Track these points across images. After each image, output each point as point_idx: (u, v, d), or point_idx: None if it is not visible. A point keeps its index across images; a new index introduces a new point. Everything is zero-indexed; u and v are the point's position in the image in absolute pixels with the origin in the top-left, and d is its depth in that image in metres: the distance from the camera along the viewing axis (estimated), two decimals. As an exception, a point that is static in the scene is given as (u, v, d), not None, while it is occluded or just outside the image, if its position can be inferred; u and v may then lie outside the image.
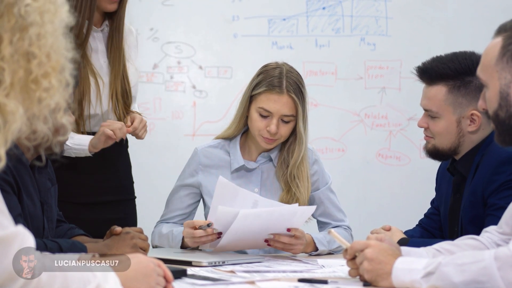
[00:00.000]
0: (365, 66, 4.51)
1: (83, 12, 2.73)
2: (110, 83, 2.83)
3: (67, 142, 2.64)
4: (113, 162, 2.92)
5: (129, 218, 2.95)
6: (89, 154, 2.72)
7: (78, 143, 2.69)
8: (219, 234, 2.37)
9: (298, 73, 2.67)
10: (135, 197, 3.04)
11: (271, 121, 2.58)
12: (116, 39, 2.86)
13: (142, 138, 2.86)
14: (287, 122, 2.61)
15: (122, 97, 2.85)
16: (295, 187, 2.64)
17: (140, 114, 2.88)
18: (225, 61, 4.41)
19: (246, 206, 2.36)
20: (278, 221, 2.39)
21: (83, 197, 2.84)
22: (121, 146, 2.94)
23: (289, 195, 2.64)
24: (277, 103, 2.58)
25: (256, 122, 2.61)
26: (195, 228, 2.39)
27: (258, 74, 2.66)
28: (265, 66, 2.70)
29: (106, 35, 2.87)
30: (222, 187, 2.38)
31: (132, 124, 2.78)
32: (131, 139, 3.09)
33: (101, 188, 2.89)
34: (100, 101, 2.80)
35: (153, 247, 2.68)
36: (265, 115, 2.59)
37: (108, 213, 2.87)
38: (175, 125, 4.37)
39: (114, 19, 2.86)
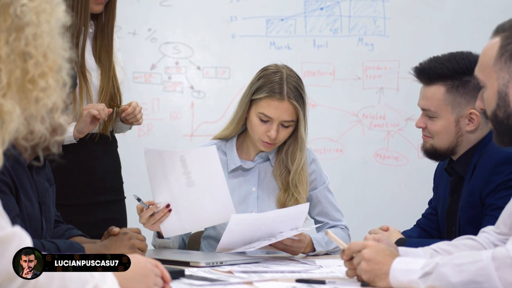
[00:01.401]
0: (363, 67, 4.51)
1: (80, 14, 2.76)
2: (100, 81, 2.85)
3: None
4: (102, 162, 2.92)
5: (120, 218, 2.95)
6: (74, 141, 2.74)
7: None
8: (168, 207, 2.41)
9: (297, 76, 2.66)
10: (124, 198, 3.04)
11: (271, 126, 2.59)
12: (105, 40, 2.89)
13: (140, 123, 2.89)
14: (286, 127, 2.61)
15: (110, 95, 2.87)
16: (296, 191, 2.65)
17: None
18: (223, 61, 4.41)
19: (175, 167, 2.39)
20: (278, 223, 2.40)
21: (73, 198, 2.84)
22: (110, 147, 2.94)
23: (287, 194, 2.65)
24: (278, 109, 2.58)
25: (256, 127, 2.62)
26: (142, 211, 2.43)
27: (258, 78, 2.65)
28: (265, 69, 2.68)
29: (92, 36, 2.90)
30: (150, 158, 2.43)
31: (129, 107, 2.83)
32: (122, 140, 3.09)
33: (90, 189, 2.89)
34: (88, 96, 2.82)
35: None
36: (266, 120, 2.59)
37: (98, 215, 2.88)
38: (173, 126, 4.36)
39: (100, 20, 2.88)
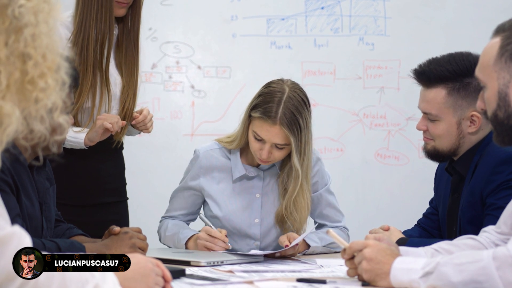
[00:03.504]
0: (364, 66, 4.51)
1: (104, 19, 2.75)
2: (123, 87, 2.86)
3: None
4: (108, 164, 2.92)
5: (122, 219, 2.95)
6: (84, 147, 2.75)
7: (74, 136, 2.73)
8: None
9: (300, 99, 2.53)
10: (127, 199, 3.05)
11: (264, 146, 2.53)
12: (131, 45, 2.88)
13: (149, 131, 2.88)
14: (281, 148, 2.54)
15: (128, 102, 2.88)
16: (290, 217, 2.60)
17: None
18: (224, 61, 4.40)
19: None
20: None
21: (77, 199, 2.84)
22: (117, 149, 2.94)
23: (287, 211, 2.62)
24: (269, 132, 2.50)
25: (251, 142, 2.57)
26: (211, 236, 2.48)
27: (259, 95, 2.56)
28: (269, 85, 2.58)
29: (115, 39, 2.89)
30: None
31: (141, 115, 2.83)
32: (127, 140, 3.09)
33: (95, 191, 2.89)
34: (109, 102, 2.82)
35: (161, 242, 2.73)
36: (259, 139, 2.53)
37: (102, 215, 2.88)
38: (173, 125, 4.36)
39: (125, 24, 2.87)
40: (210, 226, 2.56)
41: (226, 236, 2.49)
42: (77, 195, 2.84)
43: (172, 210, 2.76)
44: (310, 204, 2.64)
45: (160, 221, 2.78)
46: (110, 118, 2.67)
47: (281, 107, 2.49)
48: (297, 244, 2.45)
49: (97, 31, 2.77)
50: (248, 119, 2.58)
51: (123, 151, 3.06)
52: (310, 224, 2.77)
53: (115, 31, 2.87)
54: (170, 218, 2.75)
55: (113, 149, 2.91)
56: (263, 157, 2.54)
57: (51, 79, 1.34)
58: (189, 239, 2.58)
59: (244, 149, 2.70)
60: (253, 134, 2.55)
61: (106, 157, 2.91)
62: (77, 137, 2.72)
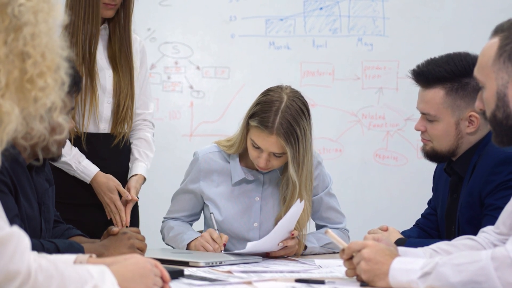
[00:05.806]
0: (363, 67, 4.51)
1: (90, 19, 2.76)
2: (122, 87, 2.87)
3: (73, 164, 2.76)
4: (116, 164, 2.91)
5: (132, 220, 2.93)
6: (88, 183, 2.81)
7: (83, 171, 2.79)
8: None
9: (299, 108, 2.50)
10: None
11: (261, 154, 2.51)
12: (124, 45, 2.89)
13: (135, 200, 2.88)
14: (279, 156, 2.53)
15: (128, 98, 2.88)
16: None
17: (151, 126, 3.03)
18: (223, 61, 4.40)
19: None
20: (283, 229, 2.45)
21: (84, 198, 2.83)
22: (123, 148, 2.93)
23: None
24: (266, 141, 2.48)
25: (250, 150, 2.56)
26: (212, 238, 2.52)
27: (257, 103, 2.53)
28: (267, 93, 2.54)
29: (106, 38, 2.90)
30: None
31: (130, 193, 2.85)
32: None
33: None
34: (94, 99, 2.82)
35: (164, 242, 2.75)
36: (257, 147, 2.52)
37: (105, 215, 2.87)
38: (172, 126, 4.36)
39: (116, 24, 2.88)
40: (216, 230, 2.56)
41: (225, 244, 2.51)
42: (83, 194, 2.83)
43: (174, 212, 2.76)
44: (310, 213, 2.63)
45: (163, 222, 2.77)
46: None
47: (278, 117, 2.47)
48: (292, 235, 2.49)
49: (85, 32, 2.78)
50: (246, 126, 2.55)
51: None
52: (311, 227, 2.77)
53: (106, 31, 2.88)
54: (172, 219, 2.75)
55: (116, 147, 2.90)
56: (261, 165, 2.53)
57: (50, 78, 1.34)
58: (192, 240, 2.58)
59: (243, 152, 2.67)
60: (251, 142, 2.53)
61: (114, 155, 2.89)
62: (85, 173, 2.79)
